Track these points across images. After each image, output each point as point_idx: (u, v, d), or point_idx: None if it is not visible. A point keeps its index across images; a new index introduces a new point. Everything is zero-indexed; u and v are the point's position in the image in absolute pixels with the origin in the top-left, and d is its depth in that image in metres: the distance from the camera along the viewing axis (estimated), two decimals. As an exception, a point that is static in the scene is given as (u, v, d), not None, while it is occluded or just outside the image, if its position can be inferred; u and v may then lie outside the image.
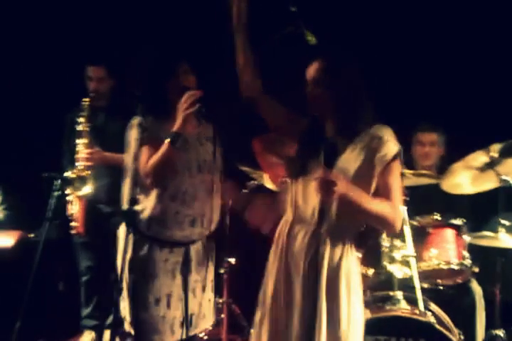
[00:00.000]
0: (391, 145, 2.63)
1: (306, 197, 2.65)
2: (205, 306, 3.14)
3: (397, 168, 2.66)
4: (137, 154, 2.84)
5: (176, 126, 2.89)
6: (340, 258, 2.64)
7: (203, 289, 3.12)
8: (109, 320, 4.27)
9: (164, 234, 3.01)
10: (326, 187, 2.49)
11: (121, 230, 3.03)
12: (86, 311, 4.50)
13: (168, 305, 3.00)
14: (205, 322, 3.16)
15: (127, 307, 2.99)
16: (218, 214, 3.18)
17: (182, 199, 2.99)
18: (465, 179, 3.90)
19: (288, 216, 2.74)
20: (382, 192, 2.64)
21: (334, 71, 2.63)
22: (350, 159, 2.63)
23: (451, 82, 4.67)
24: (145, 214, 2.99)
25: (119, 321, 2.92)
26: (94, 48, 4.73)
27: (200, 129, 3.13)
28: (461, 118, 4.57)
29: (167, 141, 2.87)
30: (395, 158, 2.63)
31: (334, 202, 2.58)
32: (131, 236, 2.93)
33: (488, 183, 3.85)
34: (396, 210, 2.62)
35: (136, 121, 2.99)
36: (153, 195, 2.98)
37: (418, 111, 4.60)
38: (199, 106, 2.89)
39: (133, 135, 2.97)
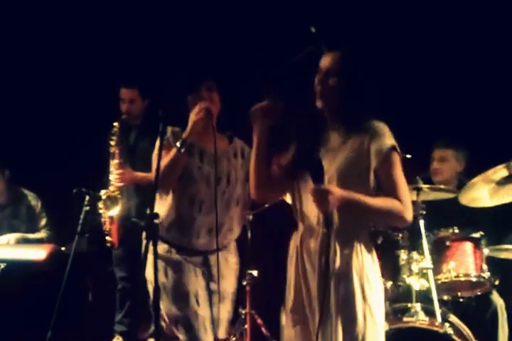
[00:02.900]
0: (386, 139, 2.64)
1: (309, 206, 2.69)
2: (223, 317, 3.20)
3: (395, 160, 2.65)
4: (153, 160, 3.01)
5: (184, 134, 3.05)
6: (351, 258, 2.64)
7: (223, 300, 3.19)
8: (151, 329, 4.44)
9: (182, 240, 3.13)
10: (321, 198, 2.54)
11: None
12: (118, 317, 4.66)
13: (198, 303, 3.09)
14: (220, 332, 3.19)
15: (162, 307, 3.05)
16: (239, 226, 3.30)
17: (199, 208, 3.12)
18: (483, 193, 3.90)
19: (299, 226, 2.78)
20: (386, 187, 2.64)
21: (348, 63, 2.69)
22: (345, 153, 2.66)
23: (473, 97, 4.71)
24: (162, 218, 3.03)
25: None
26: (127, 71, 4.91)
27: (231, 146, 3.27)
28: (483, 133, 4.61)
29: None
30: (391, 150, 2.63)
31: (334, 208, 2.60)
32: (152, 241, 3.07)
33: (507, 197, 3.86)
34: (402, 202, 2.61)
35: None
36: (169, 199, 3.12)
37: (440, 127, 4.66)
38: (206, 114, 3.04)
39: (156, 145, 3.09)
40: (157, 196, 3.10)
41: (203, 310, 3.10)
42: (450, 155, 4.33)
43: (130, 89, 4.51)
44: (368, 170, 2.65)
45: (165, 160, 3.01)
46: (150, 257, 2.98)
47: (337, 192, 2.56)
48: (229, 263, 3.24)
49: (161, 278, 3.08)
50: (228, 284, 3.23)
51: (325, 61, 2.72)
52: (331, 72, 2.68)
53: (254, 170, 2.78)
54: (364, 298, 2.63)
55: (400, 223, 2.70)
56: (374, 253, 2.75)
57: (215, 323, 3.12)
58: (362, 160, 2.65)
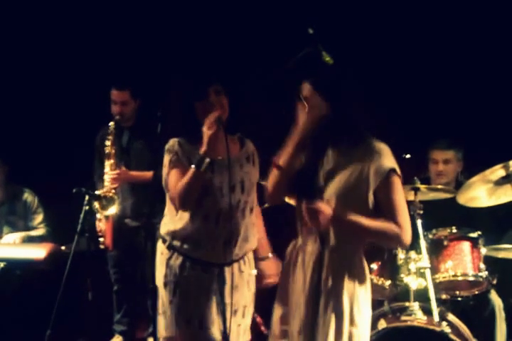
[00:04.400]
0: (386, 160, 2.62)
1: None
2: (233, 331, 3.05)
3: (395, 183, 2.63)
4: (166, 178, 2.91)
5: (201, 150, 2.85)
6: (343, 278, 2.64)
7: (234, 313, 3.05)
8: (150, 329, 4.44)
9: (197, 253, 2.98)
10: (311, 216, 2.55)
11: (160, 245, 3.05)
12: (116, 317, 4.69)
13: (200, 326, 2.95)
14: None
15: (162, 323, 3.00)
16: (255, 235, 3.12)
17: (216, 220, 2.95)
18: (481, 192, 3.92)
19: (299, 233, 2.79)
20: (385, 210, 2.62)
21: (320, 90, 2.65)
22: (345, 173, 2.64)
23: (472, 97, 4.72)
24: (178, 232, 2.98)
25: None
26: (118, 72, 4.89)
27: (243, 150, 3.10)
28: (481, 133, 4.62)
29: (193, 166, 2.84)
30: (391, 172, 2.62)
31: (330, 226, 2.61)
32: (165, 252, 3.00)
33: (504, 196, 3.88)
34: (400, 226, 2.60)
35: (168, 145, 3.00)
36: (184, 214, 2.97)
37: (437, 127, 4.66)
38: (219, 125, 2.85)
39: (165, 159, 2.98)
40: (168, 213, 3.04)
41: (206, 333, 2.96)
42: (452, 156, 4.29)
43: (122, 91, 4.48)
44: (367, 192, 2.64)
45: (183, 183, 2.85)
46: (160, 267, 3.00)
47: (327, 211, 2.56)
48: (243, 275, 3.09)
49: (169, 295, 2.97)
50: (241, 296, 3.08)
51: (301, 94, 2.70)
52: (308, 103, 2.66)
53: (281, 178, 2.76)
54: (351, 320, 2.64)
55: (396, 246, 2.69)
56: (367, 274, 2.74)
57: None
58: (361, 181, 2.63)
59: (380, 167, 2.61)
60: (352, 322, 2.64)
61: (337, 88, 2.66)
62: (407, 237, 2.63)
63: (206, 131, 2.85)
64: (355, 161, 2.65)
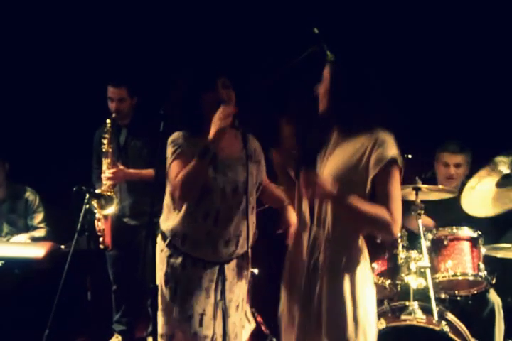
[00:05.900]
0: (389, 149, 2.62)
1: (305, 204, 2.74)
2: (238, 325, 3.10)
3: (394, 172, 2.63)
4: (169, 169, 2.89)
5: (209, 140, 2.80)
6: (341, 262, 2.66)
7: (236, 308, 3.07)
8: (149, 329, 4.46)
9: (197, 252, 2.96)
10: (309, 182, 2.55)
11: (159, 242, 3.04)
12: (116, 317, 4.69)
13: (201, 324, 2.95)
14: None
15: (160, 321, 2.99)
16: (255, 232, 3.12)
17: (215, 220, 2.92)
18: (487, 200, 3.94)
19: (297, 223, 2.83)
20: (380, 198, 2.62)
21: (337, 70, 2.70)
22: (345, 158, 2.66)
23: (472, 97, 4.73)
24: (178, 231, 2.96)
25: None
26: (115, 69, 4.88)
27: (245, 150, 3.01)
28: (482, 134, 4.62)
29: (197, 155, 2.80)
30: (391, 162, 2.61)
31: (326, 203, 2.64)
32: (165, 249, 3.00)
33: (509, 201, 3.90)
34: (393, 216, 2.58)
35: (172, 137, 2.97)
36: (182, 212, 2.94)
37: (438, 127, 4.68)
38: (233, 121, 2.83)
39: (169, 151, 2.96)
40: (167, 209, 3.03)
41: (206, 330, 2.96)
42: (463, 160, 4.26)
43: (118, 88, 4.45)
44: (366, 180, 2.64)
45: (185, 172, 2.80)
46: (160, 265, 3.00)
47: (326, 181, 2.57)
48: (242, 270, 3.10)
49: (170, 293, 2.96)
50: (239, 291, 3.10)
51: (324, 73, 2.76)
52: (323, 81, 2.72)
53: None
54: (354, 301, 2.65)
55: (385, 234, 2.69)
56: (366, 256, 2.75)
57: (227, 338, 3.00)
58: (361, 168, 2.64)
59: (381, 156, 2.61)
60: (355, 303, 2.65)
61: (353, 72, 2.69)
62: (397, 228, 2.62)
63: (218, 122, 2.81)
64: (357, 147, 2.66)
